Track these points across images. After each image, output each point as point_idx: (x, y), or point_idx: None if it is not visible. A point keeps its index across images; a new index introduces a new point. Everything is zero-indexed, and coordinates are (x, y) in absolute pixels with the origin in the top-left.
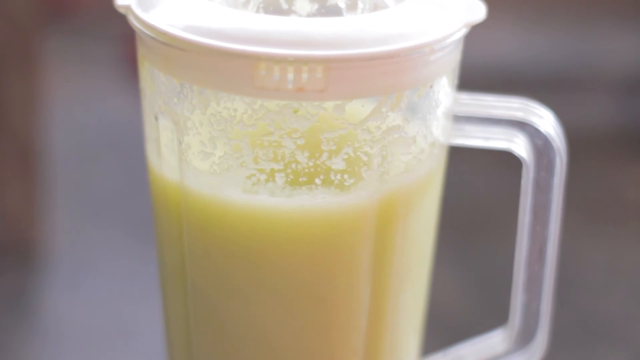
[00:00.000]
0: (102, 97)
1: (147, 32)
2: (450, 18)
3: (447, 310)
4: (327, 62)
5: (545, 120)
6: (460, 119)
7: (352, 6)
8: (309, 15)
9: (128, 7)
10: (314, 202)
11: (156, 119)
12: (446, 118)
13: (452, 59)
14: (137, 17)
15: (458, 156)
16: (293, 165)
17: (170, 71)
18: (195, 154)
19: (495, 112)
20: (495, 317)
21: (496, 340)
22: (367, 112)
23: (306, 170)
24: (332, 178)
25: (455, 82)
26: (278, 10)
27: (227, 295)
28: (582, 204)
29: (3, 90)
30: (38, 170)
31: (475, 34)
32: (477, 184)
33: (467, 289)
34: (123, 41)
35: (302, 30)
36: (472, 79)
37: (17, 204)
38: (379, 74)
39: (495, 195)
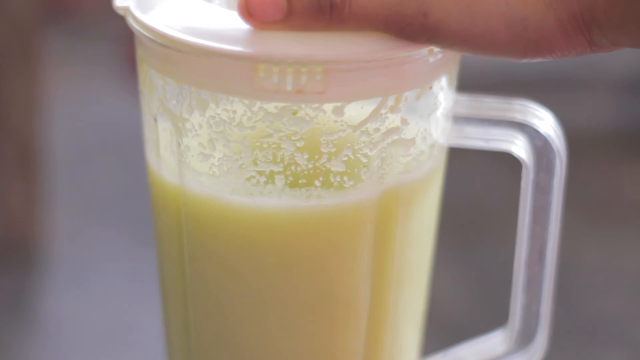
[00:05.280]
0: (102, 97)
1: (146, 33)
2: None
3: (447, 310)
4: (327, 64)
5: (545, 122)
6: (459, 120)
7: None
8: None
9: (127, 9)
10: (313, 203)
11: (155, 120)
12: (446, 119)
13: (451, 61)
14: (135, 19)
15: (458, 157)
16: (292, 167)
17: (168, 73)
18: (194, 156)
19: (494, 114)
20: (495, 317)
21: (496, 341)
22: (366, 114)
23: (305, 172)
24: (332, 180)
25: (455, 83)
26: None
27: (227, 295)
28: (582, 204)
29: (3, 90)
30: (38, 170)
31: None
32: (477, 185)
33: (467, 289)
34: (123, 41)
35: (301, 32)
36: (471, 80)
37: (18, 204)
38: (378, 76)
39: (495, 196)
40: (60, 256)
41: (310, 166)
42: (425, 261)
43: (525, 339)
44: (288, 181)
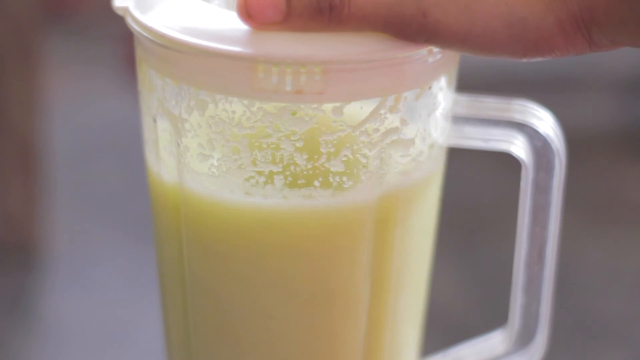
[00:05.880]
0: (102, 97)
1: (145, 34)
2: None
3: (447, 310)
4: (326, 65)
5: (545, 122)
6: (459, 120)
7: None
8: None
9: (126, 9)
10: (312, 204)
11: (154, 120)
12: (445, 120)
13: (450, 61)
14: (135, 19)
15: (457, 157)
16: (292, 168)
17: (168, 73)
18: (193, 156)
19: (494, 114)
20: (495, 317)
21: (496, 341)
22: (365, 114)
23: (305, 172)
24: (331, 180)
25: (454, 83)
26: None
27: (226, 295)
28: (582, 204)
29: (3, 90)
30: (38, 170)
31: None
32: (476, 185)
33: (467, 289)
34: (123, 41)
35: (300, 32)
36: (471, 80)
37: (18, 204)
38: (377, 76)
39: (495, 196)
40: (60, 256)
41: (309, 166)
42: (425, 261)
43: (525, 339)
44: (287, 181)
